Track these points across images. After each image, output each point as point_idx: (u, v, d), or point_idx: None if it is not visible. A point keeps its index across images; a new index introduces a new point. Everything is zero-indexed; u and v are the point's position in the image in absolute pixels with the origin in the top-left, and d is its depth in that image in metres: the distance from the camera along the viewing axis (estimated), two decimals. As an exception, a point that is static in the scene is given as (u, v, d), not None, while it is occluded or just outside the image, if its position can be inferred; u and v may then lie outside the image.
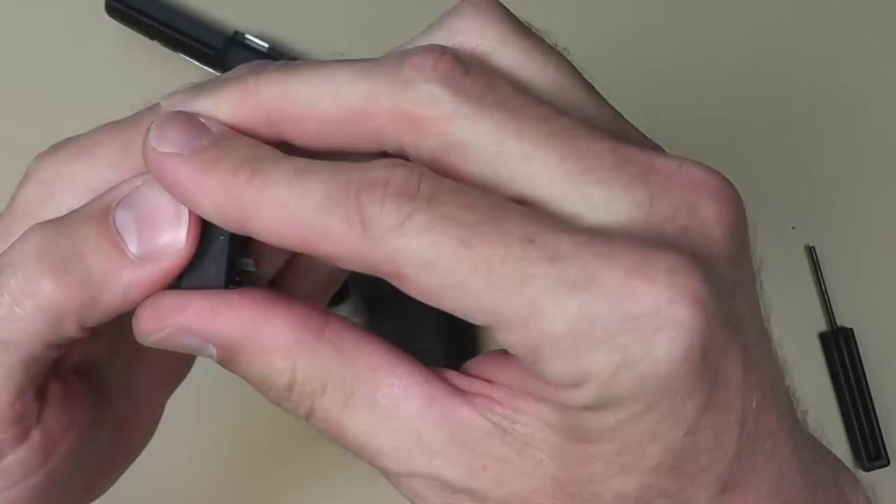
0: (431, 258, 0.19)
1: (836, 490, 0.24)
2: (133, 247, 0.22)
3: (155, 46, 0.57)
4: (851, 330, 0.58)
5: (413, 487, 0.22)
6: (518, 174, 0.20)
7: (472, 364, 0.23)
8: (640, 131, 0.23)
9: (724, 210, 0.20)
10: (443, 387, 0.22)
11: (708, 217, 0.20)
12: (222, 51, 0.55)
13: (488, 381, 0.22)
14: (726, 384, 0.20)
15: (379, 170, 0.20)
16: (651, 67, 0.61)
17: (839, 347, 0.58)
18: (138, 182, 0.23)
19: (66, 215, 0.23)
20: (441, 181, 0.20)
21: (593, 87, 0.23)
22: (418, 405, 0.22)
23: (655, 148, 0.22)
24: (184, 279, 0.22)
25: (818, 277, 0.59)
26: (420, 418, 0.22)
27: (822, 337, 0.59)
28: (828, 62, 0.63)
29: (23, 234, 0.22)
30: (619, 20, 0.62)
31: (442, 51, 0.21)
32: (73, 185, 0.24)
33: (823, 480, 0.24)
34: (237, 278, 0.23)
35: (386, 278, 0.20)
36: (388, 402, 0.22)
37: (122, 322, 0.24)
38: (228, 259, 0.23)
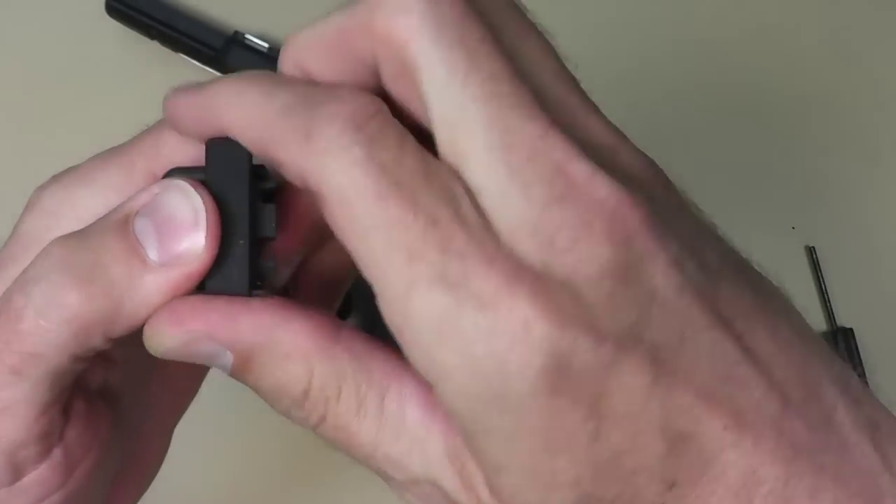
0: (349, 196, 0.20)
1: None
2: (153, 254, 0.22)
3: (155, 46, 0.57)
4: (851, 330, 0.58)
5: (413, 497, 0.22)
6: (448, 123, 0.20)
7: None
8: (598, 113, 0.22)
9: (616, 231, 0.20)
10: None
11: (598, 235, 0.19)
12: (222, 51, 0.55)
13: None
14: (619, 393, 0.19)
15: (343, 91, 0.21)
16: (650, 67, 0.61)
17: (839, 347, 0.58)
18: (156, 190, 0.23)
19: (85, 228, 0.23)
20: (393, 123, 0.20)
21: (559, 58, 0.23)
22: (422, 413, 0.22)
23: (613, 138, 0.22)
24: (207, 283, 0.22)
25: (818, 277, 0.59)
26: (424, 427, 0.22)
27: (822, 337, 0.59)
28: (828, 61, 0.63)
29: (43, 248, 0.22)
30: (619, 15, 0.62)
31: None
32: (78, 212, 0.24)
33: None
34: (259, 283, 0.23)
35: (312, 194, 0.21)
36: (395, 409, 0.22)
37: (132, 349, 0.24)
38: (250, 262, 0.23)
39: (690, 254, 0.20)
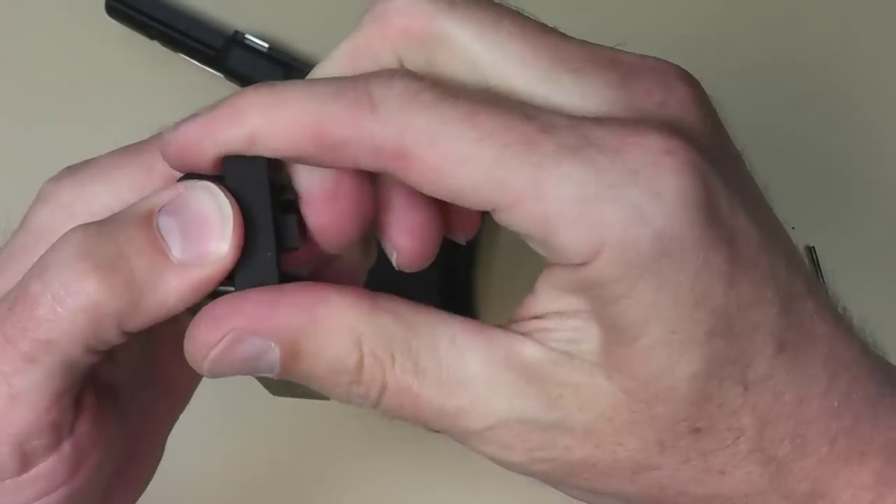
0: (438, 131, 0.20)
1: None
2: (177, 252, 0.22)
3: (155, 46, 0.57)
4: (851, 330, 0.58)
5: (499, 439, 0.22)
6: (495, 68, 0.21)
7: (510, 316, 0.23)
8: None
9: (694, 88, 0.22)
10: (497, 331, 0.22)
11: (682, 93, 0.22)
12: (222, 51, 0.55)
13: (536, 316, 0.22)
14: (746, 240, 0.21)
15: (381, 69, 0.22)
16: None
17: (839, 347, 0.57)
18: (181, 189, 0.22)
19: (107, 218, 0.23)
20: (442, 80, 0.22)
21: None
22: (482, 353, 0.22)
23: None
24: (237, 282, 0.22)
25: (818, 277, 0.59)
26: (488, 364, 0.22)
27: (822, 337, 0.58)
28: (827, 62, 0.63)
29: (63, 235, 0.22)
30: (619, 12, 0.62)
31: None
32: (92, 207, 0.24)
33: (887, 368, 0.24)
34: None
35: (389, 162, 0.21)
36: (454, 359, 0.22)
37: (133, 350, 0.24)
38: (278, 268, 0.22)
39: None
